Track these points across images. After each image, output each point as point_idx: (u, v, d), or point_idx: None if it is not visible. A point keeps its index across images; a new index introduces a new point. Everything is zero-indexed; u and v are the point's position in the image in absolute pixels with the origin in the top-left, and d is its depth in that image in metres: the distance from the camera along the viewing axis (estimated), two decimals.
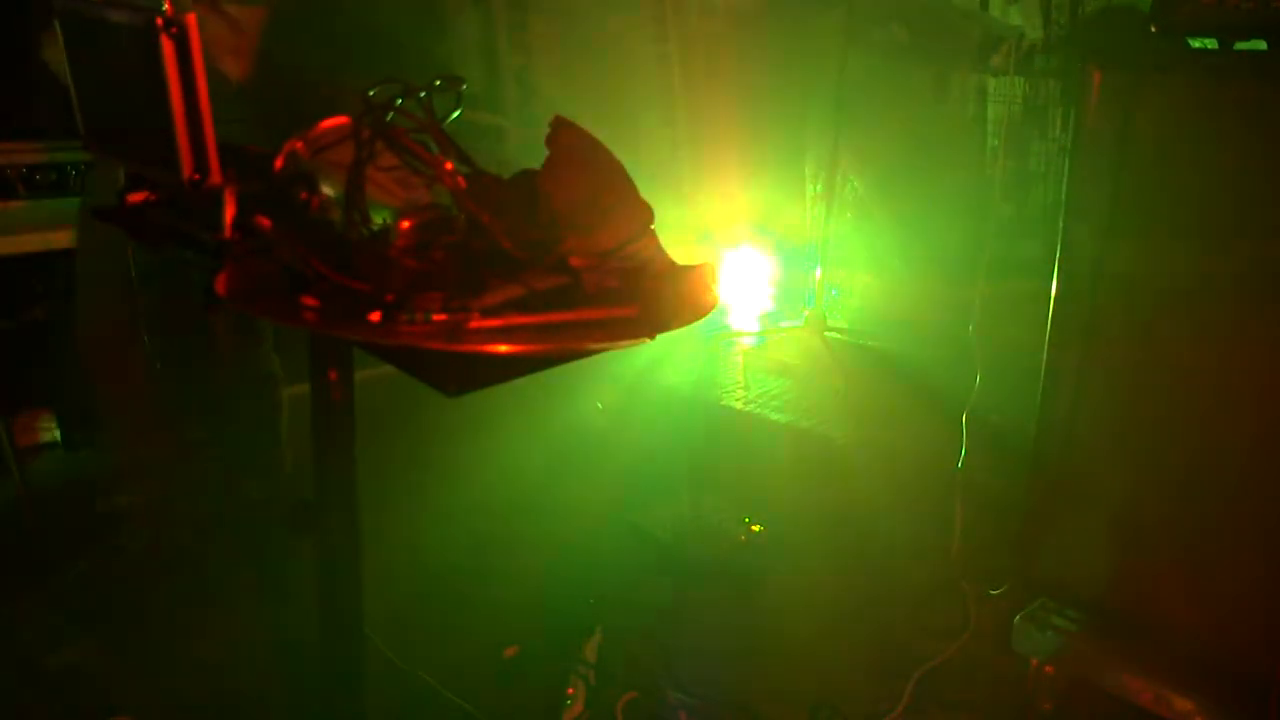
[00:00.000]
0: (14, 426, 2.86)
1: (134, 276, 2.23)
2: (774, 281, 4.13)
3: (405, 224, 1.23)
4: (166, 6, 1.04)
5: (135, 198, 1.40)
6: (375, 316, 1.11)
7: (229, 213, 1.19)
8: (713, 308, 1.30)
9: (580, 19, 3.86)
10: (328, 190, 1.25)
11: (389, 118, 1.30)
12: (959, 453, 2.62)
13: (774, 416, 3.19)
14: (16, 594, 2.38)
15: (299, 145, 1.27)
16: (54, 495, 2.78)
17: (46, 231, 2.41)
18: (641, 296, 1.23)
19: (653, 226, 1.37)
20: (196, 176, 1.14)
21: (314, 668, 1.61)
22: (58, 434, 3.00)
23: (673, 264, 1.36)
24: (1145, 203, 1.90)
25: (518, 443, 2.96)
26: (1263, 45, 1.79)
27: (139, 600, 2.38)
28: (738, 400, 3.31)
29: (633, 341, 1.18)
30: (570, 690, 2.09)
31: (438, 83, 1.34)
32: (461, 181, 1.30)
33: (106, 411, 2.64)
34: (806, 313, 3.94)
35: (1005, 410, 2.65)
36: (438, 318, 1.11)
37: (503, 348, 1.11)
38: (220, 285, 1.19)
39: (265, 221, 1.20)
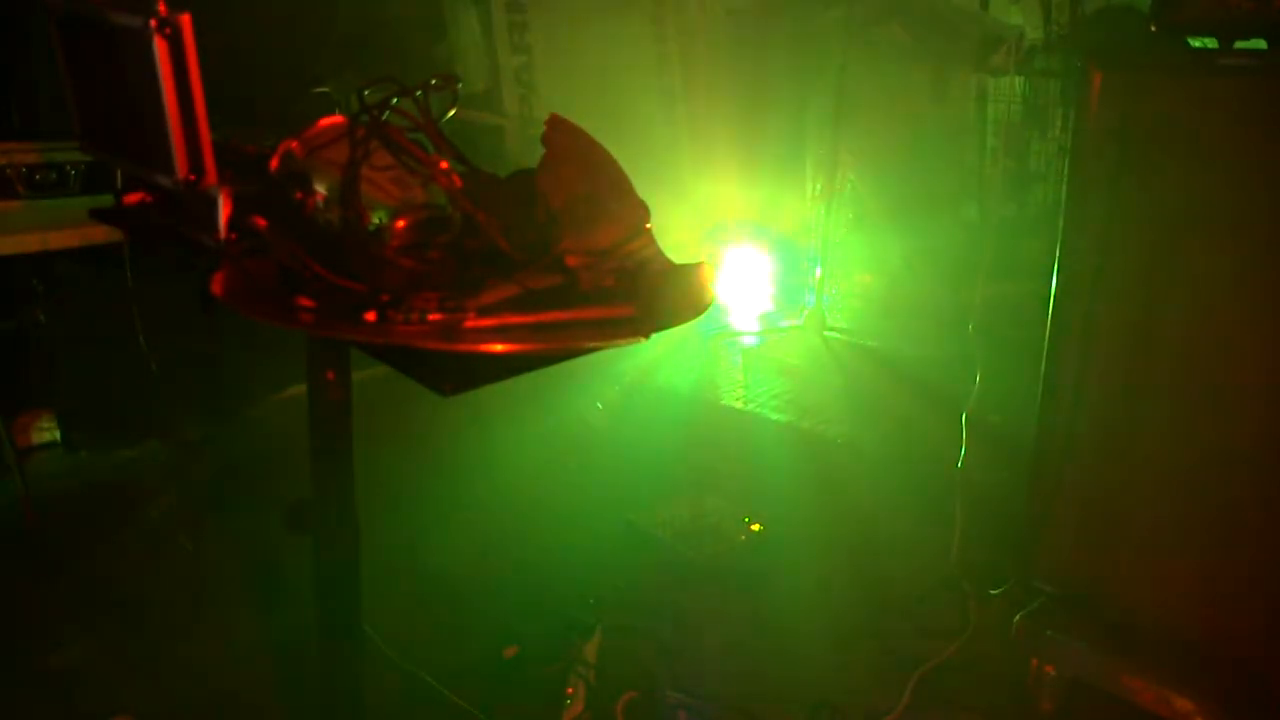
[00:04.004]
0: (14, 426, 2.87)
1: (131, 277, 2.23)
2: (774, 281, 4.13)
3: (401, 223, 1.23)
4: (160, 7, 1.04)
5: (132, 198, 1.39)
6: (371, 316, 1.10)
7: (225, 213, 1.18)
8: (710, 307, 1.30)
9: (580, 19, 3.87)
10: (323, 190, 1.25)
11: (384, 117, 1.29)
12: (959, 453, 2.62)
13: (774, 416, 3.19)
14: (16, 594, 2.38)
15: (294, 145, 1.27)
16: (54, 495, 2.79)
17: (46, 231, 2.40)
18: (638, 295, 1.22)
19: (650, 225, 1.37)
20: (192, 177, 1.14)
21: (314, 668, 1.61)
22: (58, 434, 3.01)
23: (670, 263, 1.35)
24: (1145, 202, 1.89)
25: (517, 442, 2.97)
26: (1263, 45, 1.79)
27: (139, 600, 2.38)
28: (738, 400, 3.32)
29: (629, 340, 1.18)
30: (570, 690, 2.09)
31: (434, 82, 1.34)
32: (457, 180, 1.30)
33: None
34: (806, 313, 3.94)
35: (1005, 410, 2.64)
36: (433, 317, 1.11)
37: (499, 347, 1.11)
38: (216, 286, 1.19)
39: (261, 221, 1.20)
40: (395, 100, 1.31)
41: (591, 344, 1.22)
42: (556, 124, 1.40)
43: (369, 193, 1.24)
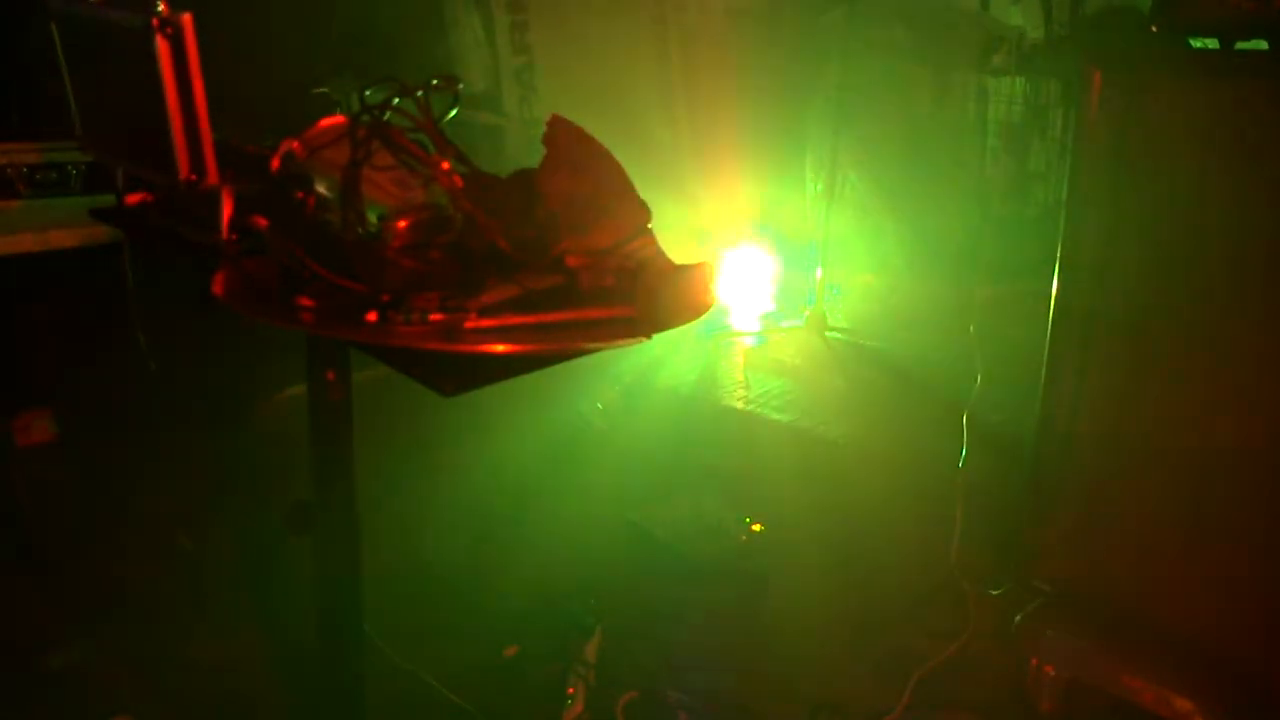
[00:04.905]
0: (14, 426, 2.86)
1: (131, 277, 2.23)
2: (774, 281, 4.13)
3: (402, 224, 1.23)
4: (162, 7, 1.04)
5: (133, 198, 1.40)
6: (371, 317, 1.10)
7: (226, 213, 1.18)
8: (710, 307, 1.30)
9: (580, 18, 3.87)
10: (324, 190, 1.25)
11: (385, 117, 1.29)
12: (959, 453, 2.62)
13: (774, 416, 3.19)
14: (16, 594, 2.38)
15: (295, 145, 1.27)
16: (54, 495, 2.78)
17: (47, 231, 2.40)
18: (639, 296, 1.22)
19: (651, 226, 1.37)
20: (193, 177, 1.14)
21: (314, 668, 1.61)
22: (58, 433, 3.00)
23: (671, 263, 1.35)
24: (1145, 202, 1.89)
25: (517, 442, 2.96)
26: (1263, 45, 1.79)
27: (139, 600, 2.38)
28: (738, 400, 3.31)
29: (630, 341, 1.18)
30: (570, 690, 2.09)
31: (435, 82, 1.34)
32: (458, 181, 1.30)
33: None
34: (806, 313, 3.94)
35: (1005, 410, 2.64)
36: (434, 318, 1.11)
37: (499, 347, 1.11)
38: (217, 286, 1.19)
39: (262, 221, 1.20)
40: (396, 100, 1.31)
41: (592, 344, 1.22)
42: (557, 124, 1.40)
43: (370, 193, 1.24)
